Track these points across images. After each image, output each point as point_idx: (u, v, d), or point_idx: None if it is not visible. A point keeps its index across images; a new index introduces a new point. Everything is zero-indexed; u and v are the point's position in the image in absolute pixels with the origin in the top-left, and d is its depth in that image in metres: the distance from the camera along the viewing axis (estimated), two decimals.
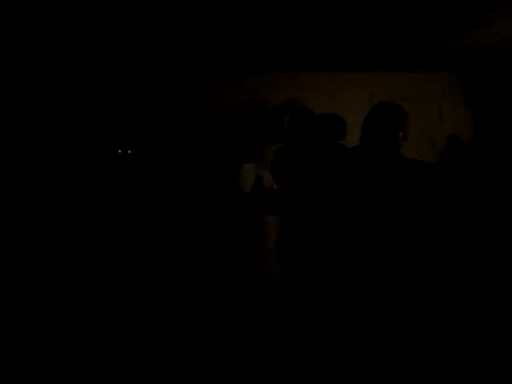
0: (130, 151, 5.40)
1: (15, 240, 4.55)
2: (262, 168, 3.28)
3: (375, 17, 3.93)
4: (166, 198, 4.31)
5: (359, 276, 2.36)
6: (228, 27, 4.14)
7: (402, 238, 2.22)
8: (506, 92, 6.07)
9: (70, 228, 4.87)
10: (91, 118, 5.48)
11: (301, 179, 3.56)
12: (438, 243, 2.29)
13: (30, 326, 3.69)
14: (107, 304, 3.96)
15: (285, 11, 3.74)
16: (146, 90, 5.80)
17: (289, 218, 3.41)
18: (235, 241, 2.85)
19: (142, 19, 3.81)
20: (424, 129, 6.32)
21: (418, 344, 2.25)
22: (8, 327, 3.61)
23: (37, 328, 3.67)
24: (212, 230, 2.87)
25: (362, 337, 2.29)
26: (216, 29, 4.17)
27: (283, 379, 2.89)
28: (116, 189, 5.18)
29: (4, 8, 3.33)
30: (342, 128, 3.97)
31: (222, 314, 2.86)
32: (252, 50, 5.04)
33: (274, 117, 5.97)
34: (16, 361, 3.22)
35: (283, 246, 3.28)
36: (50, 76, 5.31)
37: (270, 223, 3.03)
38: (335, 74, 6.32)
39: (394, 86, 6.33)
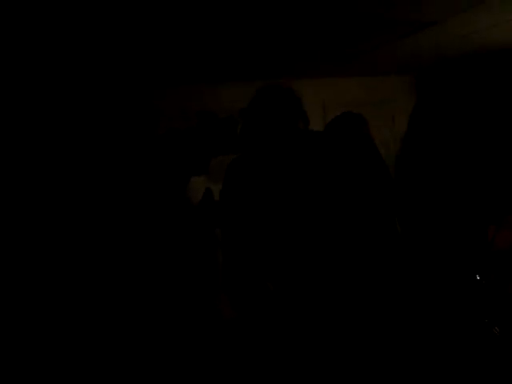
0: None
1: None
2: (215, 181, 3.19)
3: (322, 23, 3.92)
4: (113, 209, 4.16)
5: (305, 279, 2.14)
6: (181, 39, 4.07)
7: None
8: (456, 92, 6.19)
9: None
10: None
11: (248, 187, 3.46)
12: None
13: (28, 326, 3.58)
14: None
15: (230, 22, 3.70)
16: (97, 98, 5.65)
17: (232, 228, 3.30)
18: (186, 254, 2.75)
19: (97, 26, 3.67)
20: (377, 132, 6.36)
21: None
22: (8, 327, 3.51)
23: (35, 328, 3.56)
24: (161, 243, 2.76)
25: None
26: (169, 41, 4.10)
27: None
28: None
29: None
30: None
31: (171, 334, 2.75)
32: (206, 61, 4.98)
33: (227, 127, 5.89)
34: (16, 361, 3.15)
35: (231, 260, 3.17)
36: None
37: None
38: (287, 82, 6.28)
39: (346, 92, 6.36)
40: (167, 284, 2.78)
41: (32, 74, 4.88)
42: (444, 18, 3.98)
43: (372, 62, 5.65)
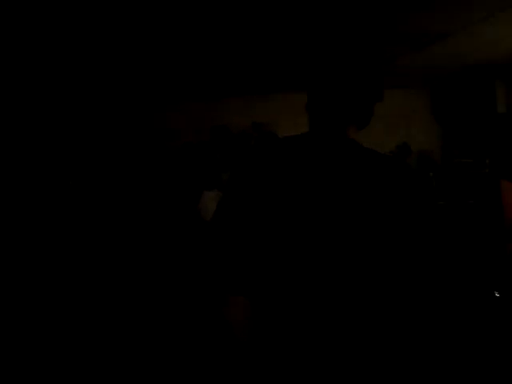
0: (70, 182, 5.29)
1: None
2: None
3: (340, 34, 3.95)
4: (125, 222, 4.17)
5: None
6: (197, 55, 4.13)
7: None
8: (470, 104, 6.13)
9: None
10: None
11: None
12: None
13: (30, 326, 3.61)
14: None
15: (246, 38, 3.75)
16: (112, 113, 5.75)
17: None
18: (195, 265, 2.74)
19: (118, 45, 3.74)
20: (392, 144, 6.33)
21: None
22: (8, 327, 3.54)
23: (36, 328, 3.59)
24: (173, 258, 2.76)
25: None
26: (185, 58, 4.17)
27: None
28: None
29: None
30: None
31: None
32: (223, 77, 5.03)
33: (241, 142, 5.91)
34: (16, 361, 3.13)
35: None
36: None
37: None
38: (302, 95, 6.28)
39: None
40: (179, 289, 2.79)
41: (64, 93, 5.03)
42: (455, 30, 3.99)
43: (387, 74, 5.63)
